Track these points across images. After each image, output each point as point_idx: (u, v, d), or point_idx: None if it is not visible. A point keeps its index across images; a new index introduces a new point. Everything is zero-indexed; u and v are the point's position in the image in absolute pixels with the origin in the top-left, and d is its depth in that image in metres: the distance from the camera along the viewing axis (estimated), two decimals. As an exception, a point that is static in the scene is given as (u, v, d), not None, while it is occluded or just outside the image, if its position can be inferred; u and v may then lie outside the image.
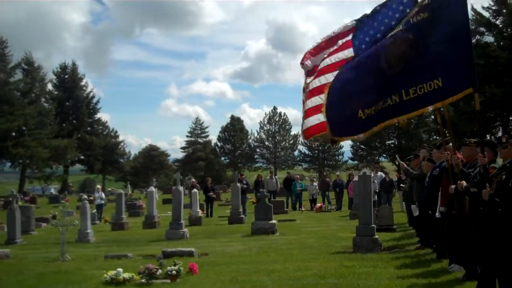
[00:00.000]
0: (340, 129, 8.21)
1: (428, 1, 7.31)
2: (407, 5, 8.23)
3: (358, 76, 8.05)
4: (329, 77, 8.78)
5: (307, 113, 9.31)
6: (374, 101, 7.68)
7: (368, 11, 9.04)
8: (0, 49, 61.53)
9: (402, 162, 12.85)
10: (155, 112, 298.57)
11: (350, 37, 8.93)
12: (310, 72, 9.53)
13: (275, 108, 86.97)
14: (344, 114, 8.05)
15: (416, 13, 7.51)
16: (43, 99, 68.97)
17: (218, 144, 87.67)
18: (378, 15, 8.63)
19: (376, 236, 11.73)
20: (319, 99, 8.96)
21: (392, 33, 7.87)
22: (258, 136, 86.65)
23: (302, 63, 9.66)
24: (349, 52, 8.85)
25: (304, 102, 9.43)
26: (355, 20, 9.05)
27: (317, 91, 9.19)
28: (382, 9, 8.62)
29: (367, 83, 7.86)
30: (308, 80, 9.49)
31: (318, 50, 9.48)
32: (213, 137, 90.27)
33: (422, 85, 7.27)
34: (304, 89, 9.54)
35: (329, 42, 9.32)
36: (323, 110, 8.42)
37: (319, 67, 9.30)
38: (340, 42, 9.03)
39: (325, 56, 9.23)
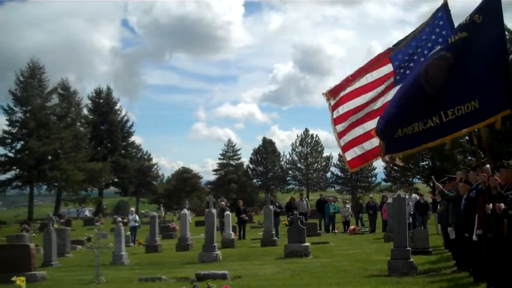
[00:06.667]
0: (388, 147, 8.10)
1: (466, 20, 7.24)
2: (443, 28, 8.23)
3: (398, 96, 8.03)
4: (370, 95, 8.78)
5: (346, 146, 9.20)
6: (412, 119, 7.59)
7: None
8: (38, 74, 63.23)
9: (438, 184, 12.66)
10: (187, 134, 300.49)
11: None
12: (333, 107, 9.36)
13: (307, 130, 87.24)
14: (387, 133, 7.96)
15: (454, 32, 7.49)
16: (78, 123, 70.43)
17: (250, 166, 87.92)
18: (416, 38, 8.66)
19: (412, 259, 11.55)
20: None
21: (432, 52, 7.86)
22: (290, 158, 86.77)
23: (329, 98, 9.41)
24: (388, 68, 8.84)
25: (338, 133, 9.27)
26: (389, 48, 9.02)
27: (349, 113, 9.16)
28: (419, 32, 8.65)
29: (406, 102, 7.79)
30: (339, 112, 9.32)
31: (345, 83, 9.34)
32: (245, 159, 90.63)
33: (460, 107, 7.17)
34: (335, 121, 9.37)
35: (356, 75, 9.20)
36: (373, 133, 8.39)
37: (353, 88, 9.16)
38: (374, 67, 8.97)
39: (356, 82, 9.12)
